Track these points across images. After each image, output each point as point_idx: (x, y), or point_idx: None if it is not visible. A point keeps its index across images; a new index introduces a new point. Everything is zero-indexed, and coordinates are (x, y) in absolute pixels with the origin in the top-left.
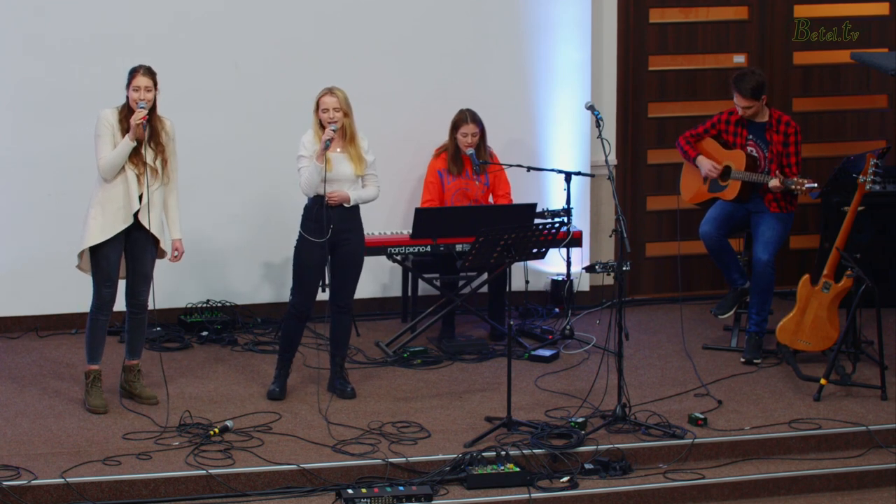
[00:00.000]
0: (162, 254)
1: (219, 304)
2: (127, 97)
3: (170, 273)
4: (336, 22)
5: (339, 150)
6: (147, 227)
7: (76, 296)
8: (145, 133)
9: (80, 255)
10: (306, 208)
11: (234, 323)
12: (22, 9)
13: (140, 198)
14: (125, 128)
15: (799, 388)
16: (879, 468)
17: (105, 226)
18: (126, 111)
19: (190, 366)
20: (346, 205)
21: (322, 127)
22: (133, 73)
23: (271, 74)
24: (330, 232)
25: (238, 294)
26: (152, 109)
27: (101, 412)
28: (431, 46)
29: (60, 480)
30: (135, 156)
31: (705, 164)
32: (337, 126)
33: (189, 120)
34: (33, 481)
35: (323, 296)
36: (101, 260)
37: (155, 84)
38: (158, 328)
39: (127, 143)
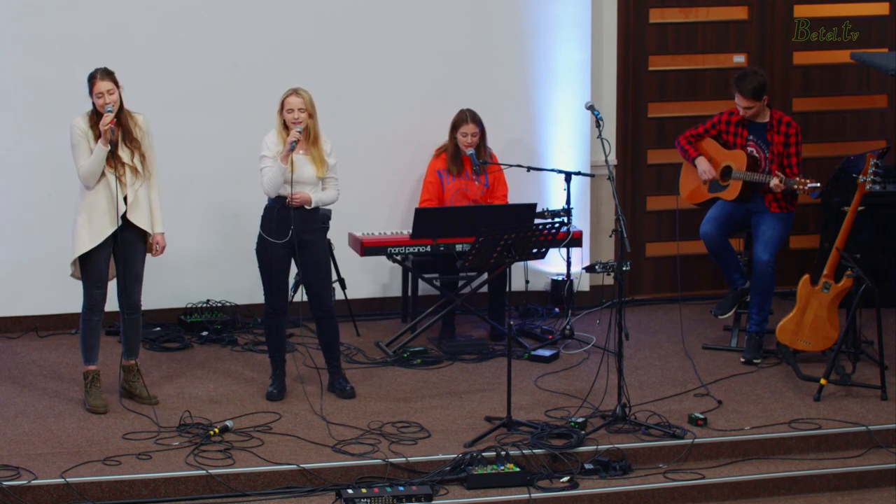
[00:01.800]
0: (150, 248)
1: (219, 304)
2: (93, 103)
3: (170, 273)
4: (336, 22)
5: (301, 151)
6: (139, 225)
7: (76, 296)
8: (119, 134)
9: (73, 263)
10: (266, 209)
11: (234, 323)
12: (22, 8)
13: (125, 198)
14: (97, 134)
15: (799, 388)
16: (879, 468)
17: (93, 232)
18: (95, 117)
19: (190, 366)
20: (307, 206)
21: (286, 127)
22: (92, 79)
23: (271, 74)
24: (290, 233)
25: (238, 294)
26: (119, 108)
27: (101, 412)
28: (431, 46)
29: (60, 480)
30: (112, 158)
31: (702, 166)
32: (302, 127)
33: (189, 119)
34: (33, 481)
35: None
36: (90, 264)
37: (116, 83)
38: (158, 328)
39: (101, 149)
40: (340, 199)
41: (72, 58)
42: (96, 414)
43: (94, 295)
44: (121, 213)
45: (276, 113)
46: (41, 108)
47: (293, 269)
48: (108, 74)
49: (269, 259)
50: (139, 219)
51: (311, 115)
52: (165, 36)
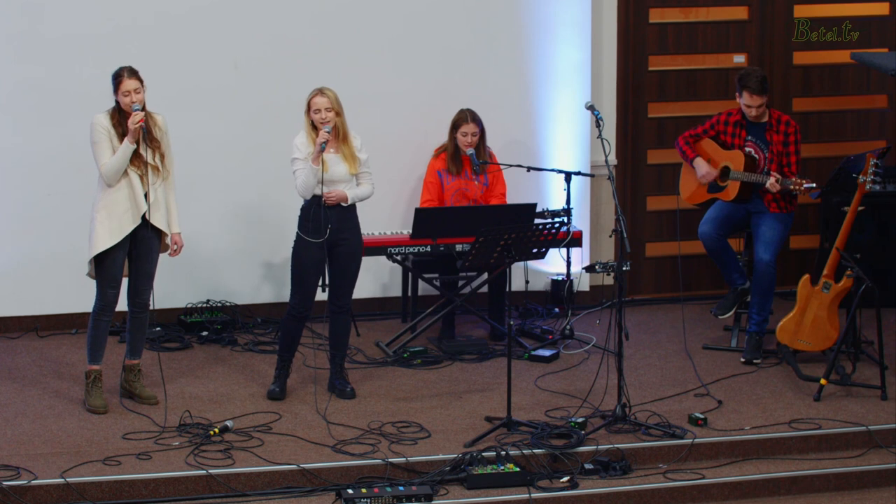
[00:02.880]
0: (164, 248)
1: (219, 304)
2: (117, 101)
3: (170, 273)
4: (336, 22)
5: (332, 150)
6: (158, 225)
7: (76, 296)
8: (142, 133)
9: (90, 262)
10: (303, 209)
11: (234, 323)
12: (22, 8)
13: (146, 196)
14: (121, 132)
15: (799, 388)
16: (879, 468)
17: (113, 230)
18: (118, 115)
19: (190, 366)
20: (343, 204)
21: (314, 128)
22: (118, 77)
23: (271, 74)
24: (328, 232)
25: (238, 294)
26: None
27: (101, 412)
28: (431, 46)
29: (60, 480)
30: (135, 157)
31: (702, 167)
32: (330, 127)
33: (188, 120)
34: (33, 481)
35: (322, 296)
36: (107, 263)
37: (141, 82)
38: (158, 328)
39: (127, 147)
40: None
41: (72, 58)
42: (96, 414)
43: (107, 295)
44: (142, 212)
45: (304, 114)
46: (41, 108)
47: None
48: (134, 73)
49: (305, 260)
50: (159, 219)
51: (339, 114)
52: (164, 36)
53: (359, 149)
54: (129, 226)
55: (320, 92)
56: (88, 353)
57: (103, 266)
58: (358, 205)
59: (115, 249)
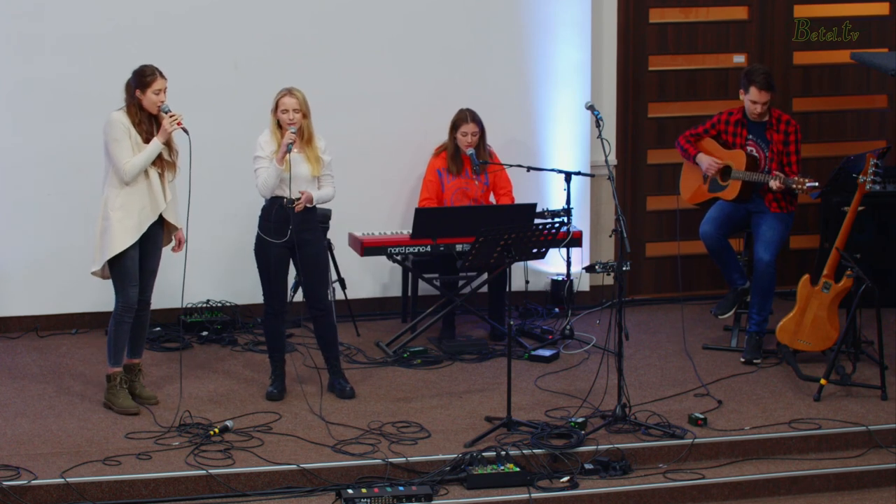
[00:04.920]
0: (167, 242)
1: (219, 304)
2: (136, 99)
3: (169, 273)
4: (336, 22)
5: (296, 150)
6: (174, 222)
7: (76, 296)
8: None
9: (104, 262)
10: (264, 209)
11: (234, 323)
12: (22, 8)
13: (164, 193)
14: (144, 129)
15: (799, 388)
16: (879, 468)
17: (131, 228)
18: (137, 113)
19: (190, 366)
20: (308, 205)
21: (280, 127)
22: (150, 76)
23: (271, 74)
24: (290, 233)
25: (238, 294)
26: None
27: (135, 412)
28: (431, 46)
29: (60, 480)
30: (157, 156)
31: (705, 161)
32: (296, 129)
33: (188, 119)
34: (33, 481)
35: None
36: (127, 262)
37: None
38: (158, 328)
39: (157, 146)
40: (341, 199)
41: (72, 58)
42: (130, 415)
43: (130, 295)
44: (161, 210)
45: (270, 113)
46: (41, 108)
47: (292, 270)
48: (162, 72)
49: (268, 260)
50: (174, 216)
51: (306, 115)
52: (164, 35)
53: (323, 150)
54: (147, 223)
55: (289, 92)
56: (111, 356)
57: (121, 266)
58: (358, 205)
59: (132, 248)
